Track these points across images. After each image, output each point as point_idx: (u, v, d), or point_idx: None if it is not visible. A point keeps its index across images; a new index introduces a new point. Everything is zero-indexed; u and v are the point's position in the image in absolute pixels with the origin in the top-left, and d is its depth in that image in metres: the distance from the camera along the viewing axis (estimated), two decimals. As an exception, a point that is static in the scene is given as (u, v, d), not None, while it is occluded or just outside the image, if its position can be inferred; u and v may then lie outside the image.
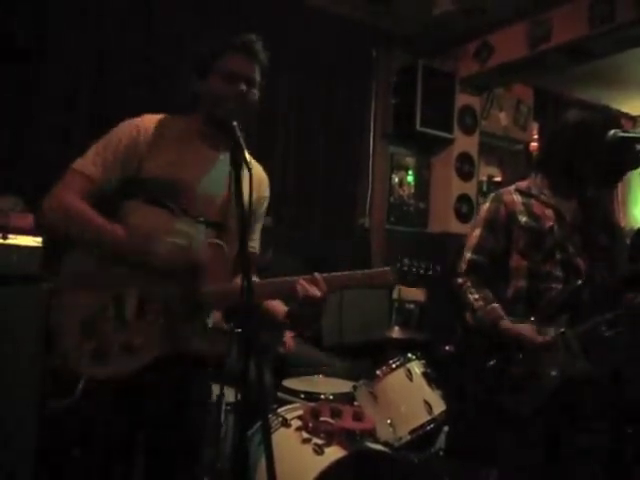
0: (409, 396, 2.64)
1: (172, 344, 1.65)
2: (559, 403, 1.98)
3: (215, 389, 2.32)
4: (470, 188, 5.19)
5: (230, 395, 2.28)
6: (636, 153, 1.96)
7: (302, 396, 2.79)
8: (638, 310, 2.03)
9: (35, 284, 2.34)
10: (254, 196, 1.84)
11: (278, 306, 1.85)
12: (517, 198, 2.19)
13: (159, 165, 1.70)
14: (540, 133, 5.82)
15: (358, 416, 2.40)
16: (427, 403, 2.59)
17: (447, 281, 2.24)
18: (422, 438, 2.55)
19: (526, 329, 2.03)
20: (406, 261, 1.66)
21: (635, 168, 2.04)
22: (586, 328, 1.99)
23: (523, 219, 2.14)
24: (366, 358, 3.38)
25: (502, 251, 2.17)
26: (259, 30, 1.77)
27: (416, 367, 2.71)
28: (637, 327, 2.06)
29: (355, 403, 2.65)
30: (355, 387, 2.74)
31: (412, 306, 4.38)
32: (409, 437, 2.50)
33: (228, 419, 2.42)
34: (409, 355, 2.75)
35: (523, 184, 2.25)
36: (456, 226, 5.02)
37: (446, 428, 2.69)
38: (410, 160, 5.13)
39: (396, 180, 5.04)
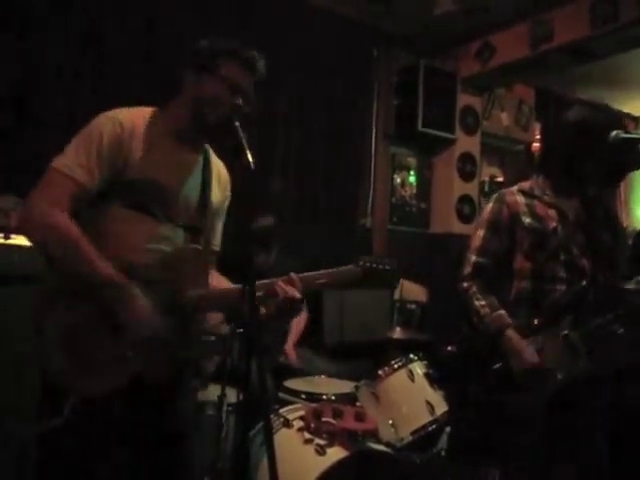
0: (411, 397, 2.64)
1: (161, 352, 1.62)
2: (560, 402, 1.97)
3: (216, 390, 2.32)
4: (472, 188, 5.19)
5: (232, 396, 2.28)
6: (638, 154, 1.95)
7: (304, 396, 2.80)
8: (638, 310, 2.03)
9: (35, 284, 2.33)
10: (221, 197, 1.87)
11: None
12: (520, 199, 2.18)
13: (144, 166, 1.65)
14: (542, 133, 5.80)
15: (360, 417, 2.40)
16: (429, 404, 2.60)
17: (449, 281, 2.23)
18: (424, 439, 2.56)
19: (528, 352, 2.01)
20: (366, 257, 1.72)
21: (637, 169, 2.04)
22: (590, 329, 1.98)
23: (527, 220, 2.13)
24: (367, 358, 3.38)
25: (505, 252, 2.15)
26: (259, 30, 1.77)
27: (418, 368, 2.71)
28: (637, 327, 2.05)
29: (357, 404, 2.65)
30: (357, 387, 2.74)
31: (414, 306, 4.37)
32: (411, 438, 2.51)
33: (229, 419, 2.42)
34: (411, 356, 2.75)
35: (526, 185, 2.23)
36: (458, 226, 5.02)
37: (448, 429, 2.68)
38: (412, 160, 5.12)
39: (398, 180, 5.04)
